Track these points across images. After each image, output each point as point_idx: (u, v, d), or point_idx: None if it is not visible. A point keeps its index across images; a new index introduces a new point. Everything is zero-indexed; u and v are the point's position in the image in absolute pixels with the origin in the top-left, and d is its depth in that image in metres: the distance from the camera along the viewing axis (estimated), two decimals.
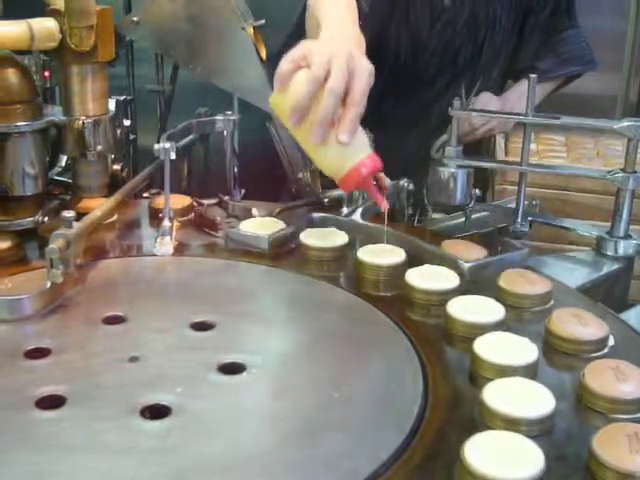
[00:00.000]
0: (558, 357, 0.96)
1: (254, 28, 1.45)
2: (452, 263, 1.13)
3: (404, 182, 1.37)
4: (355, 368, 0.94)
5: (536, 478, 0.72)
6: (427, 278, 1.08)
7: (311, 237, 1.22)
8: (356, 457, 0.77)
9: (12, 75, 1.17)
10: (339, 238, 1.23)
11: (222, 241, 1.28)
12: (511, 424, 0.80)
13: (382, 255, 1.15)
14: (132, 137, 1.57)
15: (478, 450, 0.74)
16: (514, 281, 1.08)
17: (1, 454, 0.78)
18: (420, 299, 1.07)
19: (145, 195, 1.45)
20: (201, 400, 0.86)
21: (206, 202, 1.37)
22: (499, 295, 1.07)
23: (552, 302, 1.07)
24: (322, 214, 1.32)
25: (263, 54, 1.47)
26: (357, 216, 1.30)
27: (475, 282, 1.11)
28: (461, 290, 1.07)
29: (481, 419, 0.82)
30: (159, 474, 0.76)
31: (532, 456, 0.74)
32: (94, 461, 0.77)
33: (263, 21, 1.48)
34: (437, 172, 1.31)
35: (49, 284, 1.03)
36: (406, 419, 0.82)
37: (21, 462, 0.77)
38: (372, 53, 1.17)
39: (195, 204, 1.37)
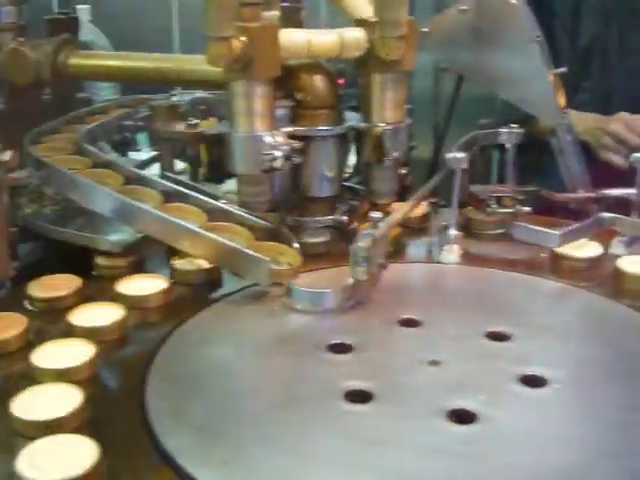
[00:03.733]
0: None
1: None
2: None
3: None
4: None
5: None
6: None
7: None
8: None
9: (320, 81, 1.23)
10: None
11: (506, 253, 1.28)
12: None
13: None
14: (411, 145, 1.59)
15: None
16: None
17: (312, 442, 0.82)
18: None
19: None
20: (506, 410, 0.86)
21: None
22: None
23: None
24: (612, 214, 1.28)
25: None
26: None
27: None
28: None
29: None
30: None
31: None
32: (403, 458, 0.79)
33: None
34: None
35: (351, 280, 1.07)
36: None
37: (330, 450, 0.81)
38: None
39: None
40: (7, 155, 1.04)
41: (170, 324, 1.05)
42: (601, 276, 1.21)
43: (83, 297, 1.10)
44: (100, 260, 1.19)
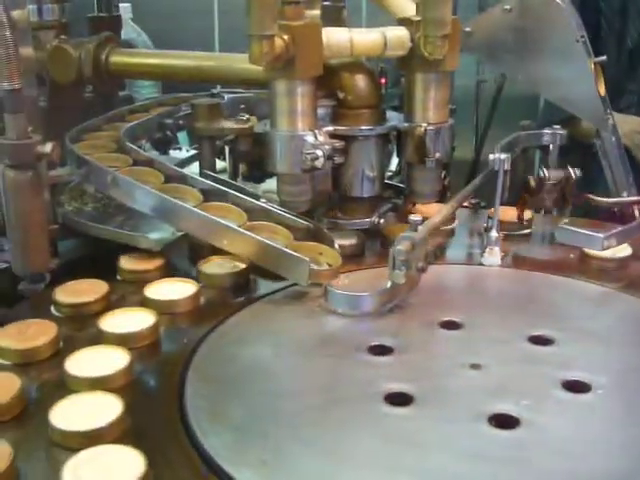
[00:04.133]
0: None
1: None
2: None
3: None
4: None
5: None
6: None
7: None
8: None
9: (362, 81, 1.22)
10: None
11: (548, 256, 1.27)
12: None
13: None
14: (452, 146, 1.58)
15: None
16: None
17: (350, 444, 0.81)
18: None
19: (465, 204, 1.46)
20: (549, 416, 0.85)
21: None
22: None
23: None
24: None
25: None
26: None
27: None
28: None
29: None
30: None
31: None
32: (443, 462, 0.78)
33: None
34: None
35: (389, 284, 1.06)
36: None
37: (368, 452, 0.80)
38: None
39: None
40: (48, 147, 1.03)
41: (202, 328, 1.03)
42: (631, 276, 1.21)
43: (110, 302, 1.09)
44: (124, 264, 1.18)
